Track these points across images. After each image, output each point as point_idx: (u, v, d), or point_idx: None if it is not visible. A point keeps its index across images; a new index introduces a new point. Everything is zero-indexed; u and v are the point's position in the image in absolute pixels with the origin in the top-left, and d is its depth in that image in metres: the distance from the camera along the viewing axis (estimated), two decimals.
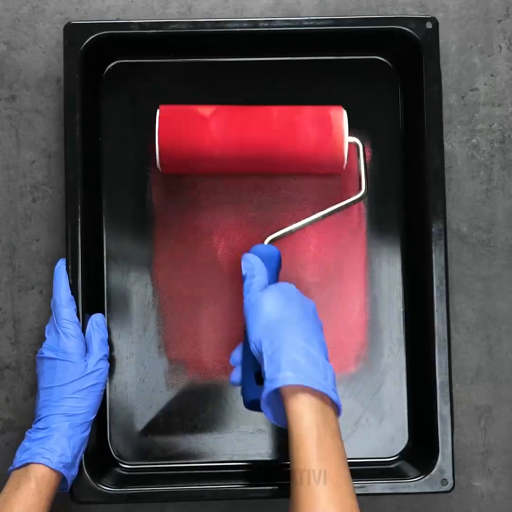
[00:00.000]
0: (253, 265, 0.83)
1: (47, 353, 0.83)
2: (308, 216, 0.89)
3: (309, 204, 0.91)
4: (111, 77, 0.92)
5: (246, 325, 0.80)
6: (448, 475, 0.85)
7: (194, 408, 0.90)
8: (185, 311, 0.91)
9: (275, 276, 0.85)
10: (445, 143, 0.91)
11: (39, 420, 0.82)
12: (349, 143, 0.87)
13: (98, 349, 0.85)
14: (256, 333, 0.77)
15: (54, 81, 0.93)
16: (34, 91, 0.93)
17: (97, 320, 0.86)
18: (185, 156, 0.86)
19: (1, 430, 0.92)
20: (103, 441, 0.89)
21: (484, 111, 0.94)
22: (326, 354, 0.77)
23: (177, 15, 0.94)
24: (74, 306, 0.85)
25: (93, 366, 0.83)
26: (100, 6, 0.94)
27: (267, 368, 0.74)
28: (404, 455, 0.90)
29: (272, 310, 0.78)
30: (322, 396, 0.73)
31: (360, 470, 0.86)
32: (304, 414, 0.72)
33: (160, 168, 0.88)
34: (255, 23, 0.89)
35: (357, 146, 0.88)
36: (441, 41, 0.90)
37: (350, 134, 0.88)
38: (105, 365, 0.85)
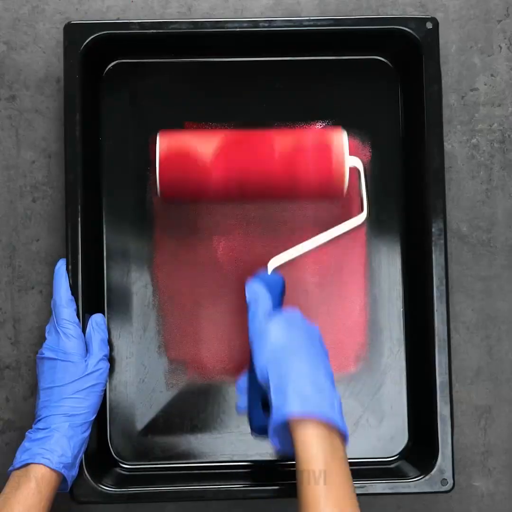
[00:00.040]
0: (257, 293, 0.82)
1: (47, 354, 0.83)
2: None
3: (310, 204, 0.91)
4: (111, 77, 0.92)
5: (251, 352, 0.80)
6: (448, 475, 0.85)
7: (194, 408, 0.90)
8: (185, 311, 0.91)
9: (279, 302, 0.84)
10: (445, 143, 0.91)
11: (39, 420, 0.82)
12: (350, 168, 0.86)
13: (98, 349, 0.85)
14: (262, 362, 0.78)
15: (54, 81, 0.93)
16: (34, 91, 0.93)
17: (97, 320, 0.86)
18: (187, 196, 0.87)
19: (1, 430, 0.92)
20: (103, 441, 0.89)
21: (484, 111, 0.94)
22: (332, 382, 0.77)
23: (177, 15, 0.94)
24: (74, 306, 0.85)
25: (93, 366, 0.83)
26: (100, 6, 0.94)
27: (274, 398, 0.75)
28: (404, 455, 0.90)
29: (278, 339, 0.78)
30: (329, 424, 0.74)
31: (360, 470, 0.86)
32: (312, 443, 0.73)
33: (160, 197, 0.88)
34: (255, 23, 0.88)
35: (358, 171, 0.87)
36: (441, 41, 0.89)
37: (350, 138, 0.88)
38: (105, 365, 0.85)
